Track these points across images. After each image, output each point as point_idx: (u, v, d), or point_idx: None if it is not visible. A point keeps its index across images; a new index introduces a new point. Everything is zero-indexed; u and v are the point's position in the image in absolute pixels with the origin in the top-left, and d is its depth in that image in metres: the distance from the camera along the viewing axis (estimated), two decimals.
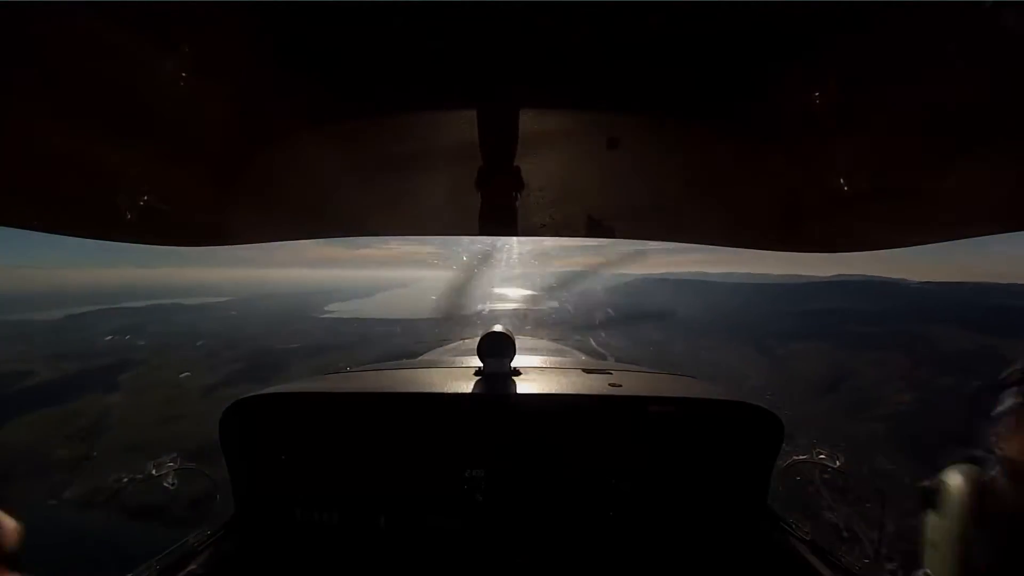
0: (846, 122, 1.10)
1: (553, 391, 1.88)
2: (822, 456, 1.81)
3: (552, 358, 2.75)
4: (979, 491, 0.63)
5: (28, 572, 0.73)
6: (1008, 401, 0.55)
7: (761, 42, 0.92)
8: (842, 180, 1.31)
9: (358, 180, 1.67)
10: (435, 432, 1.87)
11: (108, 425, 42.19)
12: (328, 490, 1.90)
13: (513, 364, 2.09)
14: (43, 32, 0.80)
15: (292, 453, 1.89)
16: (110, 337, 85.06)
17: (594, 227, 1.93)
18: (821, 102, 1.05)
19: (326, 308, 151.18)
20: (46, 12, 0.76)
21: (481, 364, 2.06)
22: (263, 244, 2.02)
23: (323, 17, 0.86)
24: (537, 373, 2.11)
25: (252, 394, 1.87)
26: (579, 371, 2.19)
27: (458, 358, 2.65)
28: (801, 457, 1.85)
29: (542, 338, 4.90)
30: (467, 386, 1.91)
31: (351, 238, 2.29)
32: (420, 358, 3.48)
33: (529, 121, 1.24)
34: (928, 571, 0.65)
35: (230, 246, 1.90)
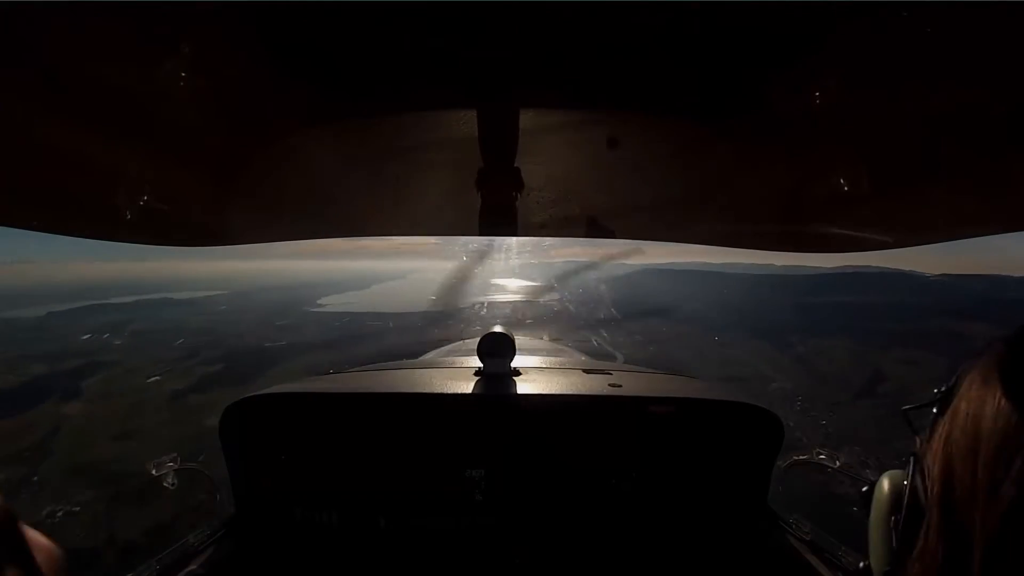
0: (846, 122, 1.13)
1: (553, 391, 1.93)
2: (822, 456, 1.83)
3: (552, 358, 2.81)
4: (897, 492, 0.76)
5: None
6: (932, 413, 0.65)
7: (761, 42, 0.93)
8: (842, 180, 1.31)
9: (358, 180, 1.68)
10: (435, 432, 1.91)
11: (57, 441, 39.05)
12: (328, 490, 1.94)
13: (513, 364, 2.13)
14: (43, 32, 0.80)
15: (292, 453, 1.93)
16: (88, 336, 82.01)
17: (594, 227, 1.95)
18: (821, 102, 1.06)
19: (319, 301, 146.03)
20: (46, 12, 0.76)
21: (481, 364, 2.10)
22: None
23: (323, 17, 0.87)
24: (537, 373, 2.16)
25: (252, 394, 1.92)
26: (579, 371, 2.24)
27: (458, 358, 2.70)
28: (801, 457, 1.88)
29: (542, 338, 4.99)
30: (467, 386, 1.95)
31: None
32: (420, 358, 3.48)
33: (529, 121, 1.26)
34: (870, 563, 0.82)
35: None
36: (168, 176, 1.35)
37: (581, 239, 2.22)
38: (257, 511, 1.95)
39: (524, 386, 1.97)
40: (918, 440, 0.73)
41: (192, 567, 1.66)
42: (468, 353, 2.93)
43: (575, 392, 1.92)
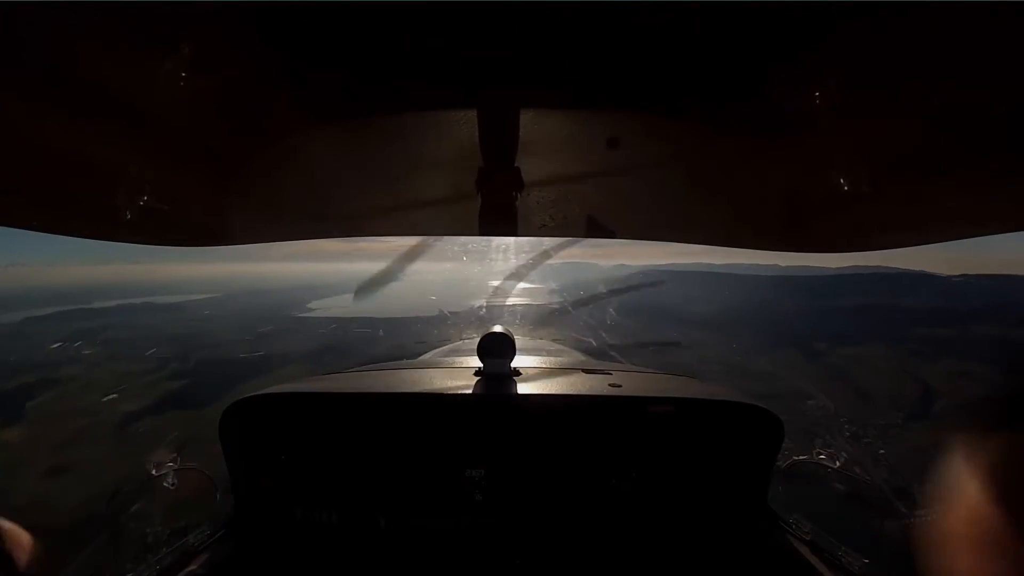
0: (846, 122, 1.16)
1: (553, 391, 1.96)
2: (822, 456, 1.88)
3: (552, 358, 2.82)
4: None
5: None
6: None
7: (761, 42, 0.95)
8: (842, 180, 1.33)
9: (357, 180, 1.71)
10: (435, 432, 1.94)
11: None
12: (328, 490, 1.97)
13: (513, 364, 2.16)
14: (43, 32, 0.82)
15: (292, 453, 1.96)
16: (58, 344, 78.50)
17: (594, 227, 1.99)
18: (821, 102, 1.09)
19: (308, 305, 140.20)
20: (46, 12, 0.77)
21: (481, 364, 2.14)
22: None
23: (323, 17, 0.89)
24: (537, 373, 2.19)
25: (252, 394, 1.95)
26: (579, 371, 2.26)
27: (458, 358, 2.71)
28: (801, 457, 1.92)
29: (542, 338, 5.02)
30: (467, 386, 1.98)
31: None
32: (420, 358, 3.51)
33: (529, 121, 1.29)
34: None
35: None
36: (168, 176, 1.36)
37: (580, 241, 2.17)
38: (257, 511, 1.98)
39: (524, 386, 2.00)
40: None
41: (192, 567, 1.67)
42: (468, 353, 3.01)
43: (575, 392, 1.95)
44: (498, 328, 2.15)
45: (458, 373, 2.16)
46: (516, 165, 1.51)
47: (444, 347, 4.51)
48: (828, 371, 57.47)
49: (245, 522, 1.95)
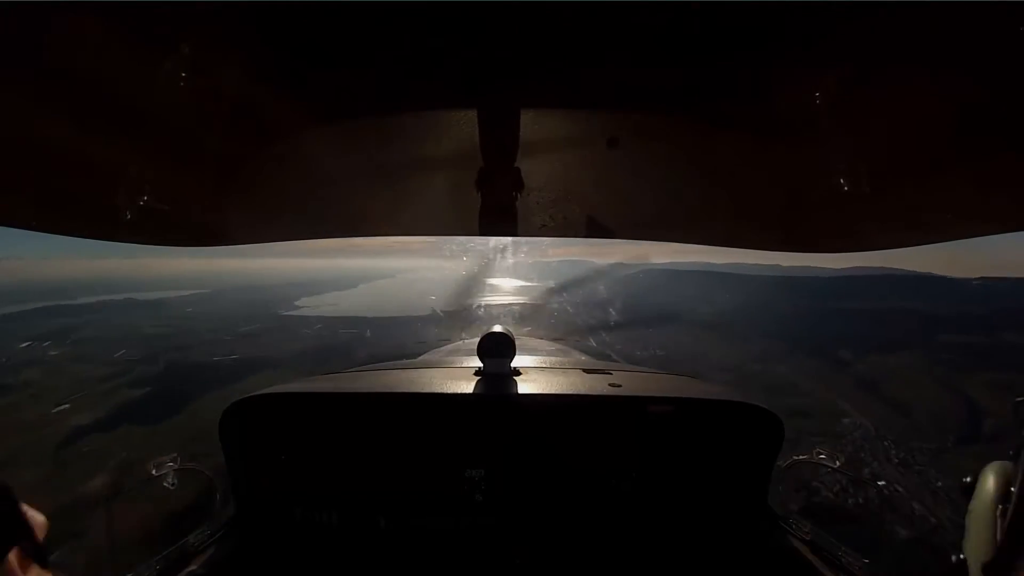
0: (846, 122, 1.18)
1: (553, 391, 1.99)
2: (822, 456, 1.89)
3: (552, 358, 2.85)
4: (1005, 483, 0.75)
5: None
6: None
7: (762, 42, 0.96)
8: (842, 180, 1.34)
9: (358, 180, 1.73)
10: (435, 432, 1.97)
11: None
12: (328, 490, 2.01)
13: (513, 364, 2.19)
14: (43, 32, 0.83)
15: (292, 453, 1.98)
16: (27, 344, 73.87)
17: (594, 227, 2.01)
18: (822, 102, 1.11)
19: (296, 303, 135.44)
20: (46, 12, 0.78)
21: (481, 364, 2.16)
22: None
23: (323, 17, 0.90)
24: (537, 373, 2.21)
25: (252, 394, 1.98)
26: (579, 371, 2.29)
27: (458, 358, 2.76)
28: (801, 457, 1.94)
29: (542, 338, 5.06)
30: (467, 386, 2.01)
31: None
32: (420, 358, 3.55)
33: (529, 121, 1.31)
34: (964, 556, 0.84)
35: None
36: (168, 176, 1.39)
37: (579, 238, 2.16)
38: (257, 511, 2.01)
39: (524, 386, 2.02)
40: None
41: (192, 567, 1.70)
42: (468, 353, 3.04)
43: (575, 392, 1.98)
44: (498, 328, 2.17)
45: (458, 373, 2.18)
46: (516, 165, 1.53)
47: (444, 347, 4.53)
48: (857, 383, 52.72)
49: (245, 522, 1.99)
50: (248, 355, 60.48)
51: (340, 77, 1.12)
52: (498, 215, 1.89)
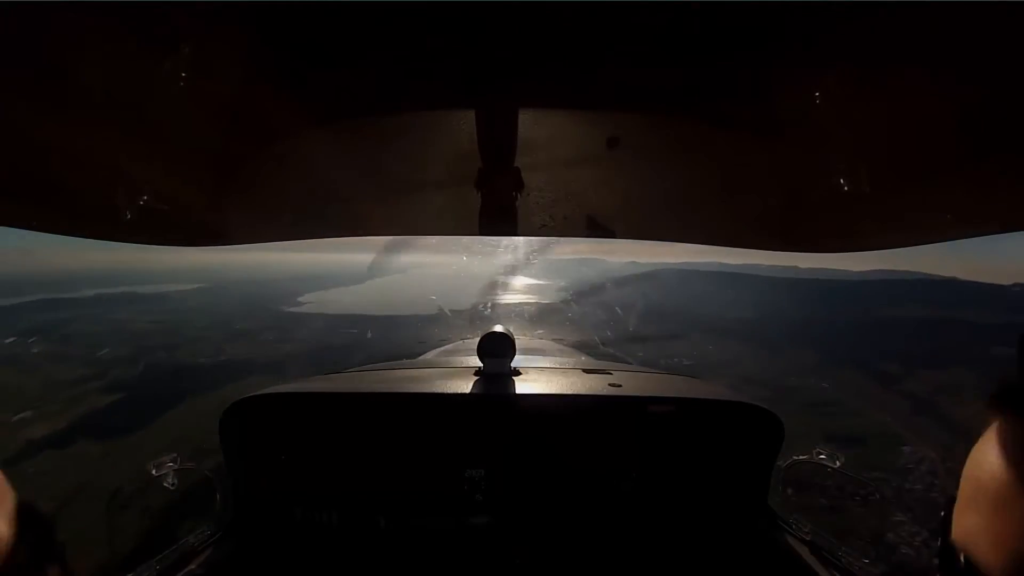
0: (846, 122, 1.17)
1: (553, 391, 1.99)
2: (822, 456, 1.88)
3: (552, 358, 2.86)
4: None
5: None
6: None
7: (762, 42, 0.96)
8: (842, 180, 1.34)
9: (357, 180, 1.72)
10: (435, 432, 1.97)
11: None
12: (328, 490, 2.01)
13: (513, 364, 2.19)
14: (43, 32, 0.83)
15: (292, 453, 1.99)
16: (11, 340, 71.83)
17: (595, 227, 2.00)
18: (822, 102, 1.09)
19: (299, 299, 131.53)
20: (46, 12, 0.78)
21: (481, 364, 2.17)
22: None
23: (323, 16, 0.90)
24: (537, 373, 2.22)
25: (252, 394, 1.98)
26: (579, 371, 2.29)
27: (458, 358, 2.74)
28: (801, 457, 1.93)
29: (542, 338, 4.89)
30: (467, 386, 2.01)
31: None
32: (420, 358, 3.53)
33: (529, 121, 1.30)
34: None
35: None
36: (167, 176, 1.38)
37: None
38: (257, 511, 2.01)
39: (524, 386, 2.02)
40: None
41: (192, 567, 1.70)
42: (468, 353, 3.01)
43: (575, 392, 1.98)
44: (498, 328, 2.17)
45: (458, 373, 2.18)
46: (516, 165, 1.52)
47: (444, 347, 4.50)
48: (911, 402, 47.24)
49: (245, 522, 1.98)
50: (237, 356, 56.51)
51: (340, 77, 1.12)
52: (498, 215, 1.87)
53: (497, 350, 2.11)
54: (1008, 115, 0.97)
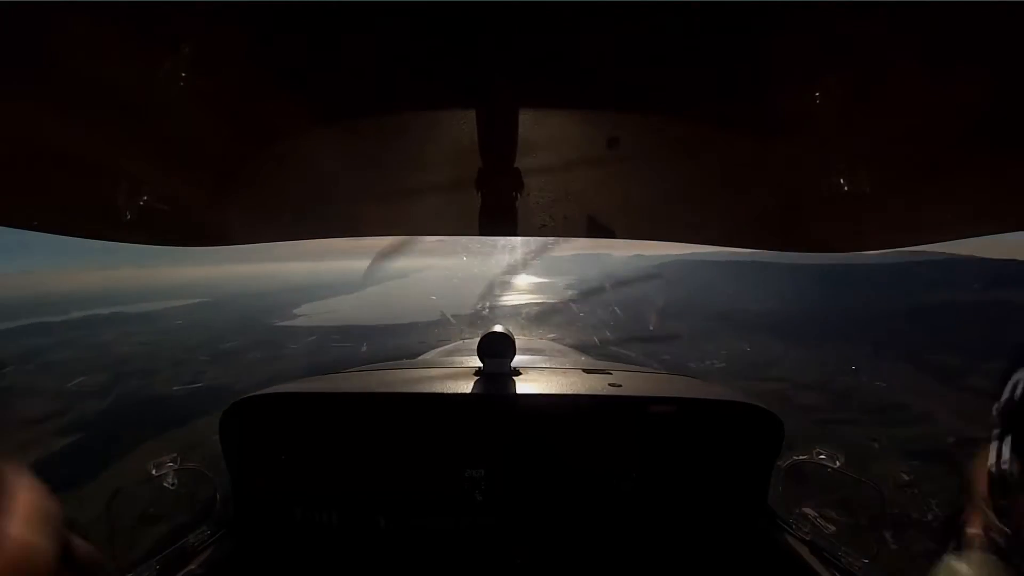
0: (847, 122, 1.18)
1: (553, 391, 1.99)
2: (822, 456, 1.88)
3: (552, 358, 2.86)
4: None
5: None
6: None
7: (762, 42, 0.96)
8: (843, 180, 1.33)
9: (357, 180, 1.73)
10: (435, 432, 1.97)
11: None
12: (328, 490, 2.01)
13: (513, 364, 2.18)
14: (43, 32, 0.83)
15: (292, 453, 1.99)
16: None
17: (595, 227, 2.00)
18: (822, 102, 1.10)
19: (295, 311, 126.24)
20: (46, 12, 0.78)
21: (481, 364, 2.16)
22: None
23: (323, 17, 0.90)
24: (537, 373, 2.21)
25: (252, 394, 1.98)
26: (579, 371, 2.28)
27: (458, 358, 2.73)
28: (801, 457, 1.93)
29: (542, 338, 4.82)
30: (467, 386, 2.01)
31: None
32: (420, 358, 3.52)
33: (529, 121, 1.31)
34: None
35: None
36: (167, 176, 1.39)
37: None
38: (257, 511, 2.00)
39: (524, 386, 2.02)
40: None
41: (192, 567, 1.70)
42: (468, 353, 3.00)
43: (575, 392, 1.97)
44: (498, 328, 2.16)
45: (458, 373, 2.17)
46: (516, 165, 1.52)
47: (444, 347, 4.50)
48: (982, 401, 41.44)
49: (245, 522, 1.98)
50: (215, 383, 51.71)
51: (340, 77, 1.12)
52: (498, 215, 1.87)
53: (497, 350, 2.11)
54: (1009, 115, 0.97)
